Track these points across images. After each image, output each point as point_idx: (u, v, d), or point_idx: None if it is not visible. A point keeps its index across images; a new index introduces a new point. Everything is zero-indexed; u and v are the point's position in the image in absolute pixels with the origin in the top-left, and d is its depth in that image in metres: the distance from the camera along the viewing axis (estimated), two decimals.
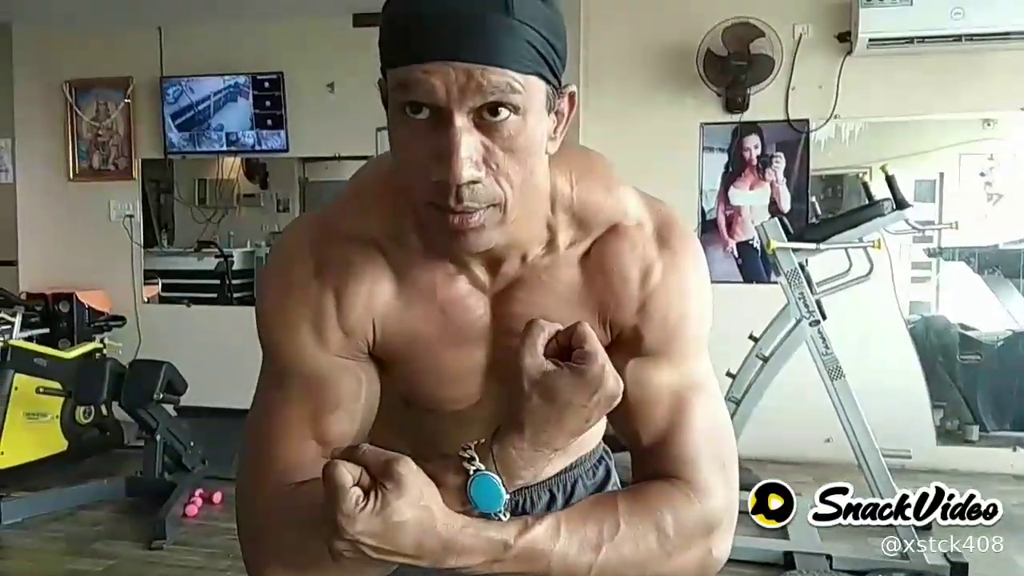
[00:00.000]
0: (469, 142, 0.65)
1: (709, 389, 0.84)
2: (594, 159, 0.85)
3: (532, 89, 0.66)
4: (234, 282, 4.96)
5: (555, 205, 0.80)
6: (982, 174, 4.89)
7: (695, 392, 0.82)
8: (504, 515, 0.71)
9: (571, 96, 0.74)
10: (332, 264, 0.79)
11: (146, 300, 4.91)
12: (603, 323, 0.81)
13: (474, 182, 0.66)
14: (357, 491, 0.64)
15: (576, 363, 0.70)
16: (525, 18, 0.64)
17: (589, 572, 0.73)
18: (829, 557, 2.78)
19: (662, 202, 0.86)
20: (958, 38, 3.71)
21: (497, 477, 0.70)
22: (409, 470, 0.65)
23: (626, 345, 0.81)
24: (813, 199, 4.11)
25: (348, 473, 0.64)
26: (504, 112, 0.65)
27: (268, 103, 4.60)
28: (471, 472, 0.69)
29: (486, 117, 0.65)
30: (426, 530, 0.66)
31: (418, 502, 0.65)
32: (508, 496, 0.71)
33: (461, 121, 0.64)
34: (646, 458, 0.82)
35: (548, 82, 0.68)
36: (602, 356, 0.70)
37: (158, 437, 3.51)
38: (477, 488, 0.69)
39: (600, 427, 1.05)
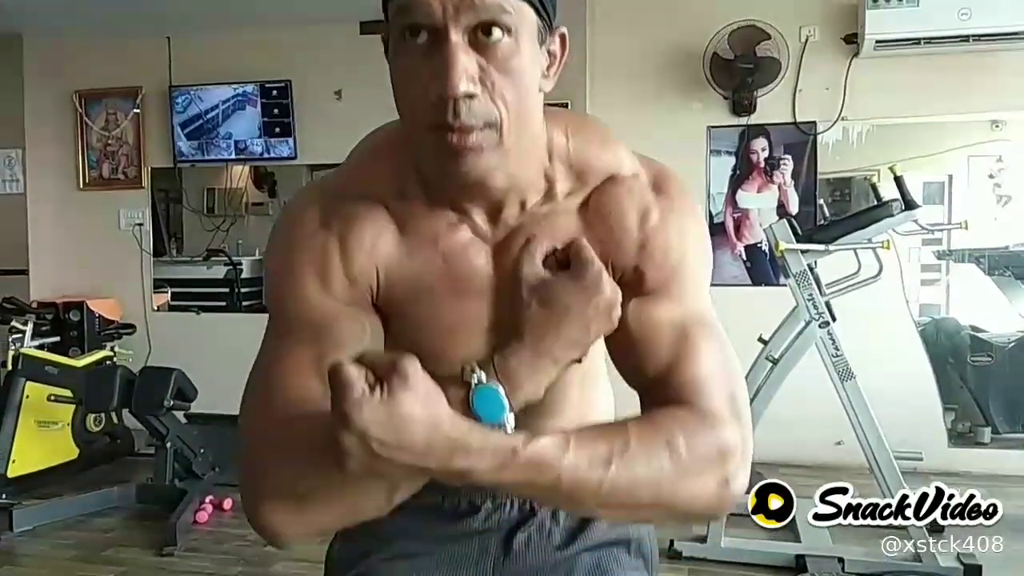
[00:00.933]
0: (465, 59, 0.69)
1: (713, 327, 0.83)
2: (590, 119, 0.89)
3: (522, 14, 0.71)
4: (243, 290, 4.99)
5: (552, 157, 0.82)
6: (991, 176, 4.88)
7: (699, 327, 0.81)
8: (508, 428, 0.70)
9: (562, 37, 0.78)
10: (337, 216, 0.82)
11: (156, 308, 4.94)
12: (605, 267, 0.82)
13: (470, 96, 0.69)
14: (364, 384, 0.63)
15: (573, 270, 0.73)
16: None
17: (600, 488, 0.69)
18: (841, 560, 2.76)
19: (657, 160, 0.88)
20: (966, 39, 3.70)
21: (499, 387, 0.70)
22: (416, 368, 0.64)
23: (628, 286, 0.82)
24: (821, 201, 4.10)
25: (354, 370, 0.64)
26: (497, 32, 0.69)
27: (276, 111, 4.62)
28: (473, 384, 0.70)
29: (480, 37, 0.69)
30: (433, 426, 0.64)
31: (426, 399, 0.64)
32: (511, 409, 0.71)
33: (456, 38, 0.68)
34: (653, 390, 0.80)
35: (538, 14, 0.73)
36: (599, 264, 0.73)
37: (168, 444, 3.52)
38: (479, 399, 0.69)
39: (610, 411, 1.04)
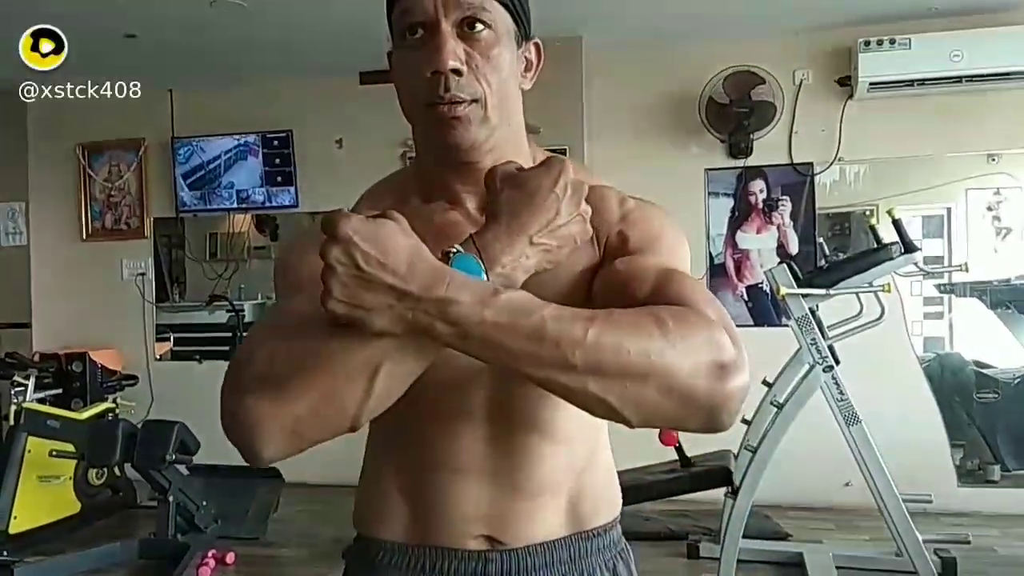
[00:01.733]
0: (453, 43, 0.82)
1: (699, 280, 0.86)
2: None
3: (499, 14, 0.85)
4: (244, 335, 4.96)
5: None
6: (989, 208, 4.89)
7: (687, 276, 0.83)
8: None
9: (537, 46, 0.92)
10: None
11: (158, 357, 4.94)
12: (591, 241, 0.87)
13: (457, 73, 0.82)
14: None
15: (541, 162, 0.82)
16: None
17: (585, 341, 0.68)
18: None
19: None
20: (958, 79, 3.75)
21: (477, 255, 0.75)
22: (404, 220, 0.71)
23: (614, 251, 0.88)
24: (821, 239, 4.11)
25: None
26: (480, 26, 0.83)
27: (278, 160, 4.67)
28: (452, 253, 0.74)
29: (466, 30, 0.83)
30: (418, 253, 0.69)
31: (413, 236, 0.70)
32: (489, 278, 0.74)
33: (446, 28, 0.82)
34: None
35: (514, 20, 0.87)
36: (562, 158, 0.81)
37: (171, 498, 3.49)
38: (458, 265, 0.72)
39: (616, 495, 1.02)
